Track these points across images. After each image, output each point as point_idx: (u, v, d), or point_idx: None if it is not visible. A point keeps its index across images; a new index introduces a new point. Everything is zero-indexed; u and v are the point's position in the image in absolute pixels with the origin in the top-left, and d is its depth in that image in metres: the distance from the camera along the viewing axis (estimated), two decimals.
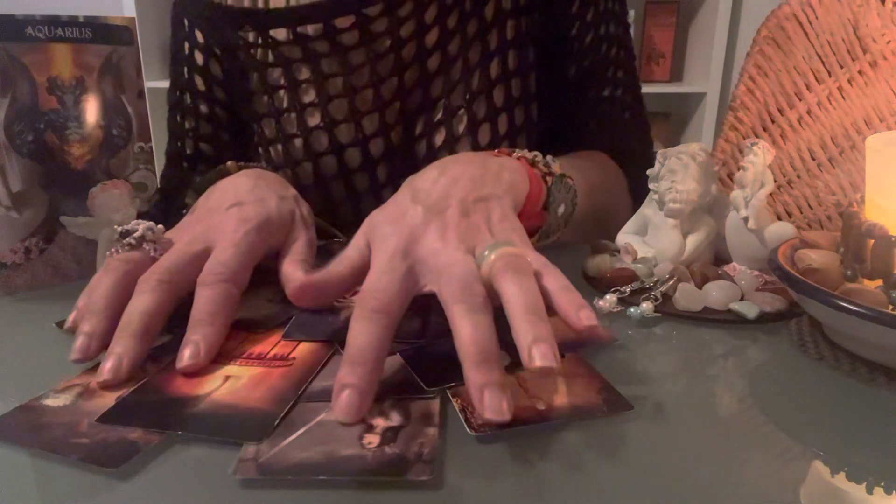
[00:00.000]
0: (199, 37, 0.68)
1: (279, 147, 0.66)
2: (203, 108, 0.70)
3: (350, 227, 0.61)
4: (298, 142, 0.65)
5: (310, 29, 0.61)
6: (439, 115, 0.64)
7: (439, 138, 0.64)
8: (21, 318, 0.46)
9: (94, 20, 0.48)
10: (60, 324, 0.42)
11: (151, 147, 0.52)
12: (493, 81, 0.64)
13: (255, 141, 0.69)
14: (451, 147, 0.64)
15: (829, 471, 0.30)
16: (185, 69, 0.70)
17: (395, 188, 0.64)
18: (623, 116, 0.72)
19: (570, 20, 0.68)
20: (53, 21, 0.46)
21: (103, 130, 0.49)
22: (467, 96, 0.63)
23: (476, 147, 0.63)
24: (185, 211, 0.53)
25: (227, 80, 0.69)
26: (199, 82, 0.69)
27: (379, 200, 0.65)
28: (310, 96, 0.63)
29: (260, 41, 0.63)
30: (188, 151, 0.71)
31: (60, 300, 0.47)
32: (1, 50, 0.45)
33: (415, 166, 0.65)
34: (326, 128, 0.63)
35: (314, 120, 0.63)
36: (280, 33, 0.61)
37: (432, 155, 0.64)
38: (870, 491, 0.28)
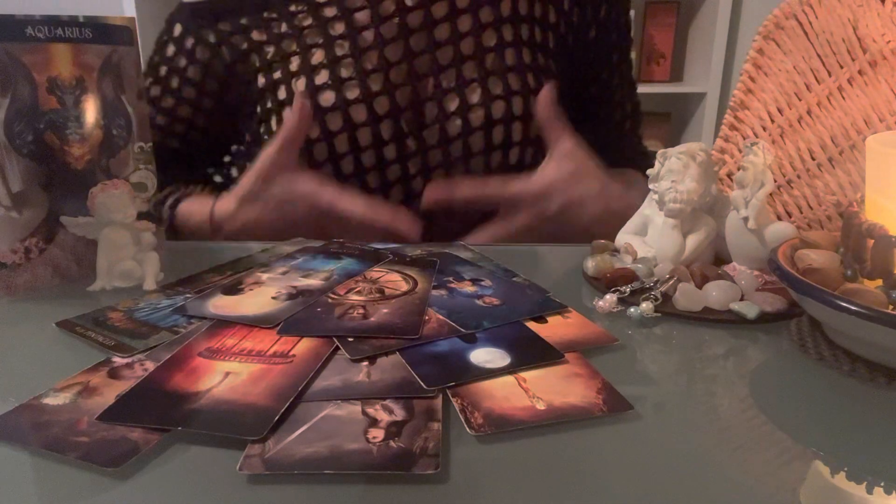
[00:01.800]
0: (208, 34, 0.73)
1: (287, 110, 0.70)
2: (188, 93, 0.76)
3: (352, 179, 0.68)
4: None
5: None
6: (451, 83, 0.69)
7: (452, 105, 0.69)
8: (21, 318, 0.46)
9: (94, 20, 0.48)
10: (60, 324, 0.42)
11: (151, 147, 0.52)
12: (508, 68, 0.69)
13: (258, 115, 0.72)
14: (464, 115, 0.69)
15: (829, 471, 0.30)
16: (173, 62, 0.76)
17: (399, 144, 0.70)
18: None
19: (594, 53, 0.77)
20: (53, 21, 0.46)
21: (103, 130, 0.49)
22: (481, 73, 0.69)
23: (489, 118, 0.69)
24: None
25: (226, 71, 0.73)
26: (192, 73, 0.75)
27: (381, 155, 0.69)
28: (318, 58, 0.69)
29: (280, 17, 0.69)
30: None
31: (60, 300, 0.47)
32: (1, 50, 0.45)
33: (421, 125, 0.68)
34: (333, 86, 0.68)
35: (321, 79, 0.68)
36: (297, 6, 0.70)
37: (444, 118, 0.69)
38: (870, 491, 0.28)
